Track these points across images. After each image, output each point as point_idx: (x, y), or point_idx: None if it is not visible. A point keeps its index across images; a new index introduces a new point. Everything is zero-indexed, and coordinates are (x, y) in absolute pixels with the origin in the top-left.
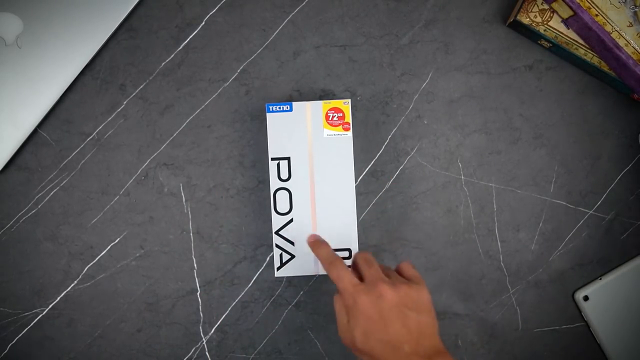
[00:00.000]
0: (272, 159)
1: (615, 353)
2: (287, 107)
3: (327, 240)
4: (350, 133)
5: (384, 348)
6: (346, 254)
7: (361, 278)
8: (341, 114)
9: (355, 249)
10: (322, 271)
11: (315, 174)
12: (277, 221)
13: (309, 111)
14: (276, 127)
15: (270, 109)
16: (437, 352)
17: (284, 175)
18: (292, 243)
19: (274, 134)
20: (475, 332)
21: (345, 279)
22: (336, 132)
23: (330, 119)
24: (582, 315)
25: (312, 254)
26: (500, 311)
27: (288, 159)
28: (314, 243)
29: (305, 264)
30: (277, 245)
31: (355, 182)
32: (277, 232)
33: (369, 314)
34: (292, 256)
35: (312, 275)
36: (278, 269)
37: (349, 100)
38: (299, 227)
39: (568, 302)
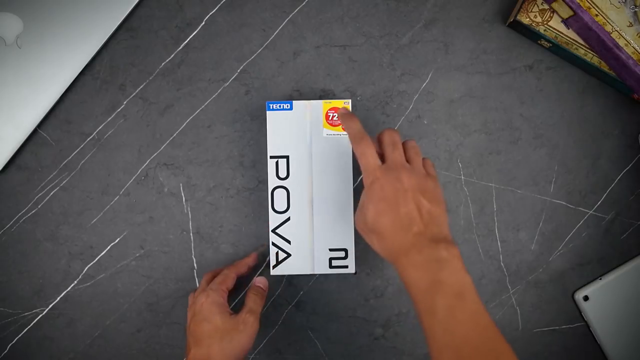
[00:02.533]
0: (271, 157)
1: (615, 353)
2: (288, 106)
3: (323, 240)
4: None
5: (393, 226)
6: (342, 253)
7: (384, 158)
8: None
9: (351, 249)
10: (318, 270)
11: (314, 173)
12: (274, 219)
13: (309, 110)
14: (276, 125)
15: (271, 107)
16: (444, 238)
17: (283, 174)
18: (289, 241)
19: (273, 132)
20: None
21: (370, 158)
22: (336, 132)
23: (330, 118)
24: (582, 316)
25: (308, 253)
26: (500, 311)
27: (287, 157)
28: (344, 116)
29: (301, 263)
30: (273, 244)
31: (354, 182)
32: (273, 230)
33: (384, 194)
34: (288, 255)
35: (311, 274)
36: (274, 267)
37: (350, 101)
38: (296, 226)
39: (568, 302)
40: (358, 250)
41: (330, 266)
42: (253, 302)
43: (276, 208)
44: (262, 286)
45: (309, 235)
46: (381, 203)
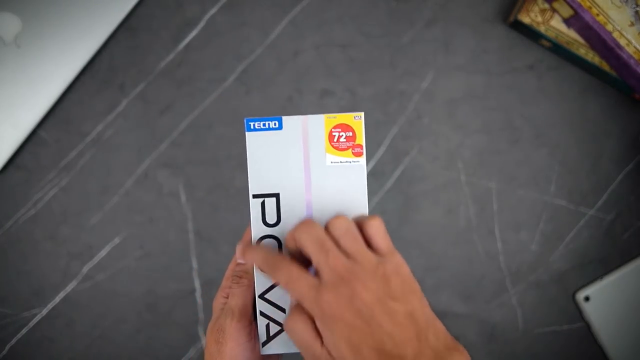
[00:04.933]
0: (254, 196)
1: (616, 354)
2: (275, 124)
3: None
4: (363, 160)
5: (382, 358)
6: None
7: (308, 262)
8: (350, 134)
9: None
10: None
11: (315, 217)
12: (261, 281)
13: (306, 129)
14: (260, 152)
15: (251, 126)
16: (446, 346)
17: (271, 219)
18: (283, 310)
19: (256, 161)
20: (476, 332)
21: (301, 281)
22: (344, 159)
23: (335, 139)
24: (582, 316)
25: None
26: (500, 311)
27: (276, 195)
28: (244, 251)
29: None
30: (262, 313)
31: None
32: (261, 296)
33: (347, 320)
34: (283, 327)
35: None
36: (264, 344)
37: (362, 115)
38: None
39: (569, 302)
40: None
41: None
42: (231, 298)
43: None
44: (242, 261)
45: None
46: (350, 331)
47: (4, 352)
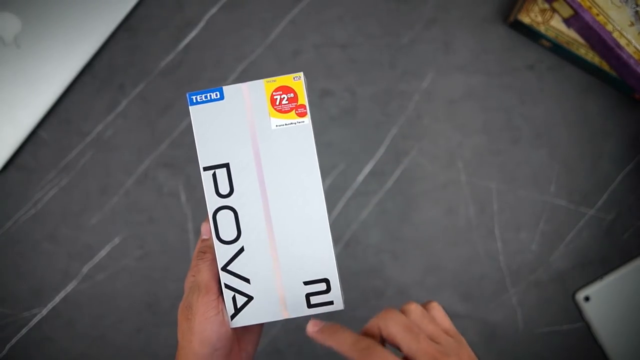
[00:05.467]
0: (205, 169)
1: (616, 354)
2: (217, 95)
3: (294, 271)
4: (307, 119)
5: None
6: (323, 286)
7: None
8: (292, 95)
9: (334, 277)
10: (293, 313)
11: (267, 182)
12: (222, 253)
13: (248, 96)
14: (205, 124)
15: (194, 100)
16: None
17: (224, 189)
18: (247, 280)
19: (203, 133)
20: (476, 332)
21: None
22: (288, 121)
23: (277, 102)
24: (582, 316)
25: (276, 293)
26: (500, 312)
27: (226, 165)
28: (324, 332)
29: (269, 307)
30: (226, 286)
31: (356, 182)
32: (224, 268)
33: None
34: (250, 298)
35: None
36: (232, 316)
37: (301, 74)
38: (253, 258)
39: (569, 302)
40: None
41: (310, 305)
42: (196, 274)
43: (223, 237)
44: (206, 237)
45: (274, 268)
46: None
47: (4, 352)
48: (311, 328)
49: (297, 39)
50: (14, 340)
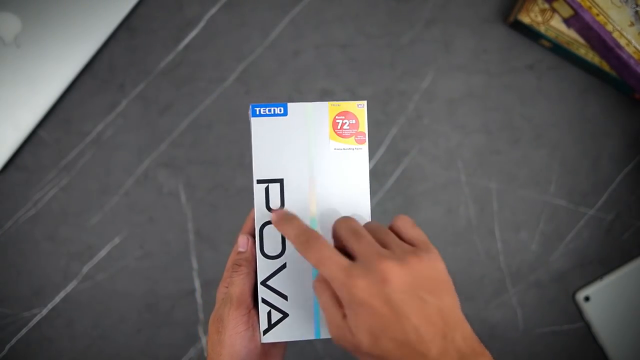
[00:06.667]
0: (259, 182)
1: (616, 354)
2: (281, 110)
3: None
4: (365, 147)
5: (402, 351)
6: None
7: (349, 255)
8: (354, 121)
9: None
10: (325, 334)
11: (319, 202)
12: (264, 267)
13: (311, 116)
14: (264, 138)
15: (257, 112)
16: (472, 350)
17: (275, 205)
18: (285, 297)
19: (261, 146)
20: (476, 332)
21: (332, 262)
22: (347, 146)
23: (339, 127)
24: (583, 316)
25: (311, 312)
26: (500, 311)
27: (280, 181)
28: (280, 220)
29: (302, 326)
30: (263, 300)
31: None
32: (263, 282)
33: (373, 307)
34: (285, 315)
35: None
36: (265, 331)
37: (365, 103)
38: (293, 275)
39: (569, 302)
40: None
41: None
42: (230, 287)
43: (267, 252)
44: (242, 250)
45: (312, 288)
46: (374, 319)
47: (4, 352)
48: (274, 217)
49: (297, 39)
50: (14, 340)
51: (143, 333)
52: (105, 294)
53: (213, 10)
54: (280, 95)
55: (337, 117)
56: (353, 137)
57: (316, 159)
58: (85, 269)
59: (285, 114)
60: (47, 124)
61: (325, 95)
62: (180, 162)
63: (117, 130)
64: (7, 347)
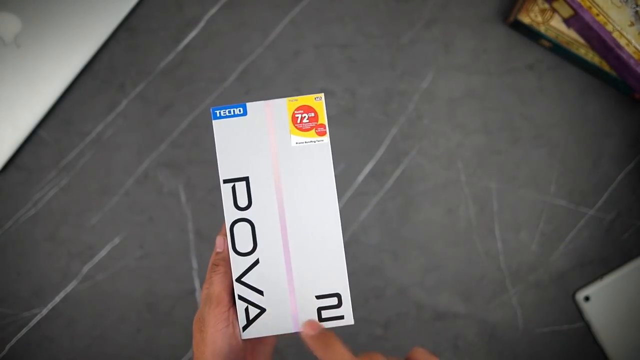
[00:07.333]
0: (225, 181)
1: (616, 354)
2: (240, 110)
3: (307, 285)
4: (327, 138)
5: None
6: (334, 300)
7: None
8: (313, 114)
9: (345, 292)
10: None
11: (285, 196)
12: (237, 264)
13: (270, 113)
14: (227, 139)
15: (217, 114)
16: None
17: (242, 202)
18: (261, 292)
19: (224, 147)
20: (476, 332)
21: None
22: (308, 139)
23: (298, 121)
24: (582, 316)
25: (288, 306)
26: (500, 312)
27: (246, 179)
28: (318, 338)
29: (280, 320)
30: (240, 297)
31: (356, 182)
32: (238, 279)
33: None
34: (262, 310)
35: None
36: (244, 328)
37: (322, 95)
38: (267, 271)
39: (569, 302)
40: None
41: (321, 319)
42: (209, 286)
43: (238, 249)
44: (219, 250)
45: (287, 281)
46: None
47: (4, 352)
48: (307, 330)
49: (297, 39)
50: (14, 340)
51: (143, 333)
52: (105, 294)
53: (213, 11)
54: (280, 95)
55: (295, 112)
56: (313, 129)
57: (279, 154)
58: (85, 269)
59: (245, 113)
60: (47, 124)
61: (325, 95)
62: (180, 162)
63: (117, 130)
64: (7, 347)
